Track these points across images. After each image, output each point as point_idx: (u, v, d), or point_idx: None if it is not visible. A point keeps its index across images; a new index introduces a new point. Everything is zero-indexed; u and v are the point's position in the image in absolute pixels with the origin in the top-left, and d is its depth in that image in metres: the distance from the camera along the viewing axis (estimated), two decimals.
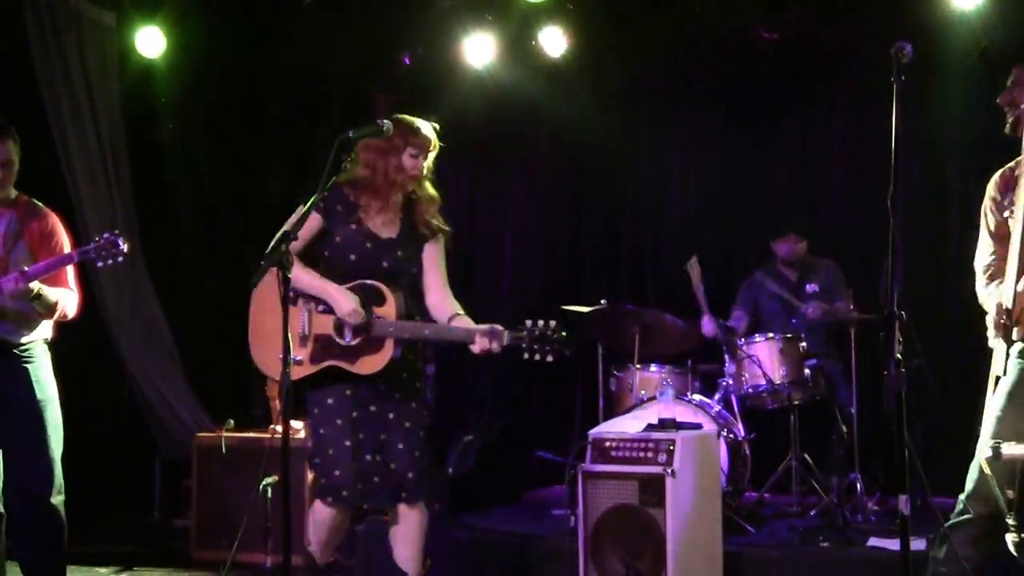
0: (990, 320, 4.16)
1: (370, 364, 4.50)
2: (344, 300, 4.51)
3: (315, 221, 4.65)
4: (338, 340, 4.55)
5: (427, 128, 4.73)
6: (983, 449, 4.03)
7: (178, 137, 8.63)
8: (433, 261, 4.76)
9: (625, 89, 8.72)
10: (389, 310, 4.51)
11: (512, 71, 8.34)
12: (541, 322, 4.23)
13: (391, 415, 4.63)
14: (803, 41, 7.90)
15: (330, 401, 4.62)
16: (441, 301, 4.70)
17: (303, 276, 4.57)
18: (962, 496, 4.15)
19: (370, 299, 4.53)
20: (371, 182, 4.67)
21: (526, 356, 4.24)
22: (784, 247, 7.46)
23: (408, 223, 4.74)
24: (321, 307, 4.61)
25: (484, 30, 8.02)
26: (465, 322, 4.57)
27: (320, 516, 4.74)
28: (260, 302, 4.77)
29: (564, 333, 4.21)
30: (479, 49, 8.10)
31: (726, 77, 8.49)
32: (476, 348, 4.34)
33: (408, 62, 8.54)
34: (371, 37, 8.24)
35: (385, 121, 4.48)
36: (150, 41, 8.04)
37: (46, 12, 7.55)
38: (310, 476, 5.37)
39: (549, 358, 4.23)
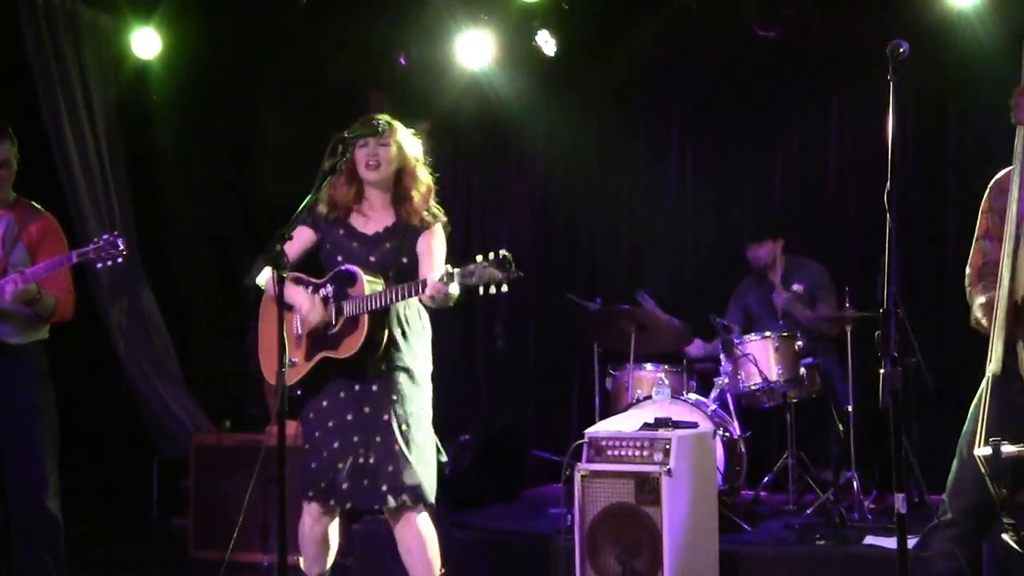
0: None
1: (351, 344, 4.55)
2: (305, 301, 4.62)
3: (308, 236, 4.81)
4: (325, 332, 4.62)
5: (371, 116, 4.73)
6: (964, 446, 4.05)
7: (174, 137, 8.63)
8: (425, 252, 4.76)
9: (621, 88, 8.72)
10: (360, 289, 4.55)
11: (507, 70, 8.34)
12: (491, 254, 4.18)
13: (385, 417, 4.64)
14: (799, 39, 7.90)
15: (325, 403, 4.70)
16: None
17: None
18: (945, 495, 4.16)
19: (344, 283, 4.61)
20: (349, 184, 4.80)
21: (481, 291, 4.19)
22: (752, 255, 7.52)
23: (400, 216, 4.78)
24: None
25: (479, 30, 8.02)
26: None
27: (305, 526, 4.80)
28: (262, 314, 4.88)
29: (511, 258, 4.16)
30: (474, 49, 8.10)
31: (722, 75, 8.50)
32: (428, 291, 4.33)
33: (403, 62, 8.54)
34: (366, 37, 8.25)
35: (380, 120, 4.49)
36: (146, 42, 8.04)
37: (42, 14, 7.55)
38: None
39: (504, 287, 4.18)
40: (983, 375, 4.13)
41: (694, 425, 5.69)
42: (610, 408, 6.96)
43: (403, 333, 4.72)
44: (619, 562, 5.11)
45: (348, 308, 4.55)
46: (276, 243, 3.95)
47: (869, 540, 5.75)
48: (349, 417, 4.66)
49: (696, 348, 7.29)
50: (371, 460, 4.62)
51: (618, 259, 9.09)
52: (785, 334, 6.80)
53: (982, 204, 4.26)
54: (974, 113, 7.61)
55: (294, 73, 8.76)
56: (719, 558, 5.46)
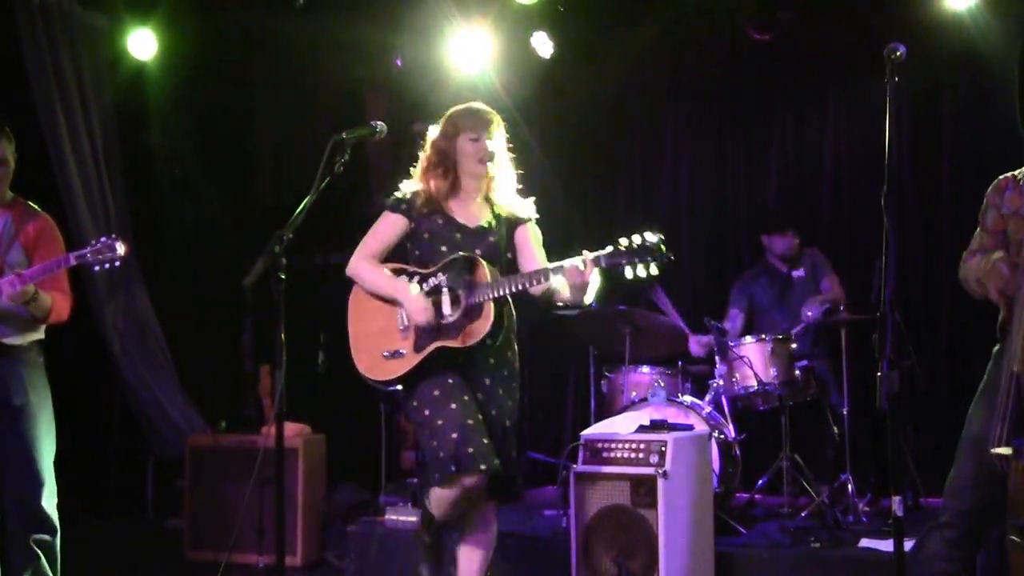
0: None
1: (474, 332, 4.40)
2: (417, 301, 4.44)
3: (399, 223, 4.66)
4: (439, 321, 4.46)
5: (479, 107, 4.72)
6: (966, 448, 4.05)
7: (170, 139, 8.64)
8: (527, 244, 4.70)
9: (616, 90, 8.73)
10: (482, 276, 4.43)
11: (504, 72, 8.35)
12: (636, 236, 4.12)
13: (494, 412, 4.52)
14: (794, 42, 7.92)
15: (436, 392, 4.43)
16: None
17: (377, 279, 4.60)
18: (944, 496, 4.17)
19: (463, 270, 4.46)
20: (445, 175, 4.66)
21: (629, 273, 4.13)
22: (782, 243, 7.47)
23: (495, 210, 4.72)
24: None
25: (476, 31, 8.02)
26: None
27: (448, 495, 4.41)
28: (353, 310, 4.70)
29: (662, 240, 4.10)
30: (471, 50, 8.10)
31: (717, 78, 8.51)
32: (571, 279, 4.22)
33: (400, 64, 8.55)
34: (363, 39, 8.25)
35: (379, 123, 4.49)
36: (142, 43, 8.05)
37: (39, 15, 7.55)
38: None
39: (653, 269, 4.10)
40: (980, 377, 4.14)
41: (689, 427, 5.70)
42: (605, 410, 6.96)
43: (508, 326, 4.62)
44: (615, 564, 5.12)
45: (469, 295, 4.41)
46: (275, 244, 3.94)
47: (864, 543, 5.76)
48: (466, 398, 4.43)
49: (696, 346, 7.24)
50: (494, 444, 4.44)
51: None
52: (780, 336, 6.80)
53: (982, 207, 4.26)
54: (969, 115, 7.62)
55: (290, 74, 8.76)
56: (715, 560, 5.47)
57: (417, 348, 4.47)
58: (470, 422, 4.34)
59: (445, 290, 4.47)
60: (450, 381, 4.45)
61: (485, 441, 4.33)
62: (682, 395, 6.67)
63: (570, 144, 9.00)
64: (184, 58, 8.31)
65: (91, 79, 7.95)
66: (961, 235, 4.45)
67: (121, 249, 4.90)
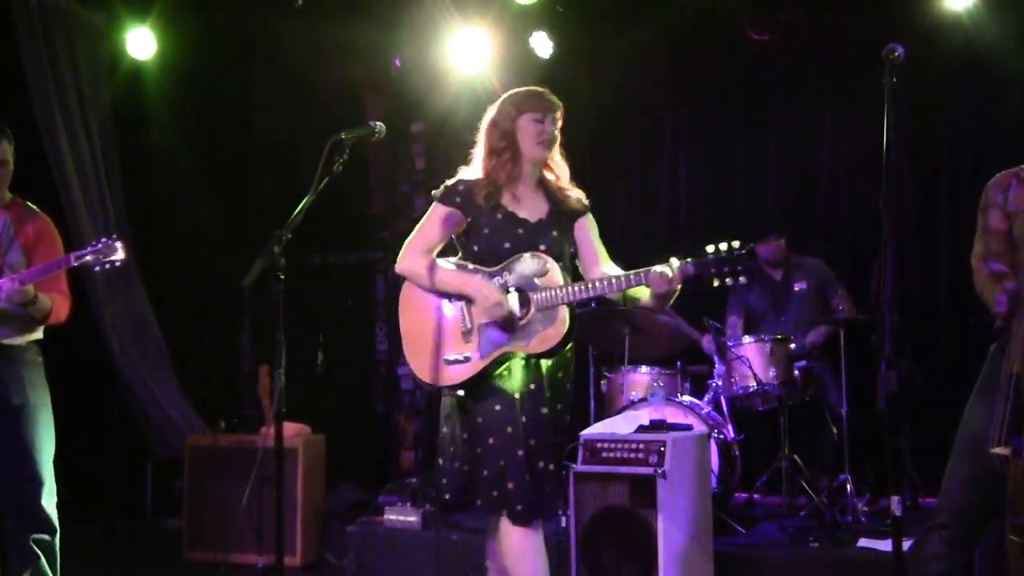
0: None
1: (547, 339, 4.17)
2: (492, 294, 4.18)
3: (453, 216, 4.38)
4: (507, 323, 4.22)
5: (542, 90, 4.55)
6: (962, 447, 4.06)
7: (168, 138, 8.64)
8: (588, 236, 4.48)
9: (615, 90, 8.72)
10: (552, 278, 4.20)
11: (503, 73, 8.34)
12: (723, 245, 4.05)
13: (559, 405, 4.31)
14: (793, 42, 7.91)
15: (497, 407, 4.20)
16: (607, 271, 4.37)
17: (439, 273, 4.33)
18: (940, 496, 4.18)
19: (532, 269, 4.23)
20: (512, 159, 4.40)
21: (716, 283, 4.06)
22: (766, 248, 7.47)
23: (554, 202, 4.47)
24: None
25: (475, 32, 8.02)
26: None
27: (516, 544, 4.21)
28: (404, 309, 4.44)
29: (751, 250, 4.04)
30: (470, 51, 8.10)
31: (716, 78, 8.51)
32: (656, 287, 4.08)
33: (399, 64, 8.55)
34: (362, 39, 8.25)
35: (378, 123, 4.45)
36: (141, 43, 8.06)
37: (36, 13, 7.55)
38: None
39: (741, 279, 4.05)
40: (975, 377, 4.14)
41: (688, 427, 5.70)
42: (605, 410, 6.96)
43: None
44: (614, 564, 5.12)
45: (540, 298, 4.17)
46: (274, 244, 3.93)
47: (862, 543, 5.76)
48: (524, 419, 4.17)
49: (709, 344, 7.21)
50: (553, 465, 4.23)
51: (611, 259, 9.05)
52: (779, 337, 6.80)
53: (980, 203, 4.24)
54: (968, 116, 7.61)
55: (290, 74, 8.76)
56: (713, 560, 5.47)
57: (482, 353, 4.22)
58: (500, 462, 4.14)
59: (513, 290, 4.25)
60: (497, 408, 4.19)
61: (511, 487, 4.11)
62: (681, 395, 6.67)
63: (567, 145, 8.97)
64: (183, 58, 8.31)
65: (89, 78, 7.96)
66: (959, 236, 4.46)
67: (122, 249, 4.90)
